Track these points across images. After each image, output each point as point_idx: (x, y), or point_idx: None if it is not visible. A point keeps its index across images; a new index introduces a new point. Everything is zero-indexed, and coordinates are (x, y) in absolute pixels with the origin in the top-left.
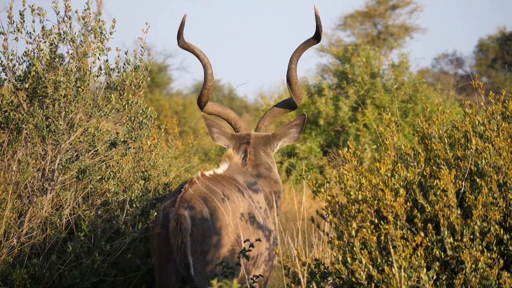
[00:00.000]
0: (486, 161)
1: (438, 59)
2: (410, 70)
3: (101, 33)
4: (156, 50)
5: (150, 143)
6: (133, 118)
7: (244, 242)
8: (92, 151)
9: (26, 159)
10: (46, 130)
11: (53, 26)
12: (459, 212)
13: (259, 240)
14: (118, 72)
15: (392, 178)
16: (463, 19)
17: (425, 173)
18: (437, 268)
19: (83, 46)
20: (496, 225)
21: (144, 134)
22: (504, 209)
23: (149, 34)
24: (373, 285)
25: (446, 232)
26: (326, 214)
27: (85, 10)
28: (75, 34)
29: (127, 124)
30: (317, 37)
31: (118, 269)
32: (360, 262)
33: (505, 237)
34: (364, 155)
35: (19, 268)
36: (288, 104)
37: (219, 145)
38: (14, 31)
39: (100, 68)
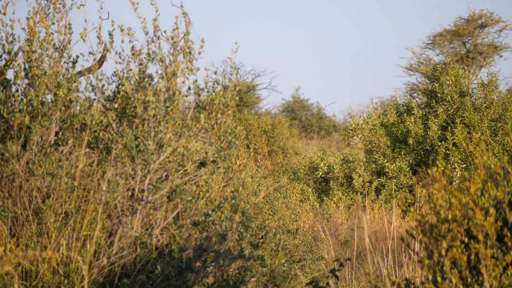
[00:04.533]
0: None
1: None
2: (500, 89)
3: (190, 53)
4: (245, 69)
5: (239, 162)
6: (222, 137)
7: (334, 261)
8: (181, 171)
9: (115, 179)
10: (136, 150)
11: (142, 46)
12: None
13: (349, 259)
14: (207, 92)
15: (482, 197)
16: None
17: None
18: None
19: (172, 66)
20: None
21: (233, 153)
22: None
23: (237, 54)
24: None
25: None
26: (416, 234)
27: (173, 30)
28: (164, 54)
29: (216, 143)
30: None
31: None
32: (450, 281)
33: None
34: (454, 174)
35: None
36: None
37: (308, 165)
38: (103, 51)
39: (189, 88)
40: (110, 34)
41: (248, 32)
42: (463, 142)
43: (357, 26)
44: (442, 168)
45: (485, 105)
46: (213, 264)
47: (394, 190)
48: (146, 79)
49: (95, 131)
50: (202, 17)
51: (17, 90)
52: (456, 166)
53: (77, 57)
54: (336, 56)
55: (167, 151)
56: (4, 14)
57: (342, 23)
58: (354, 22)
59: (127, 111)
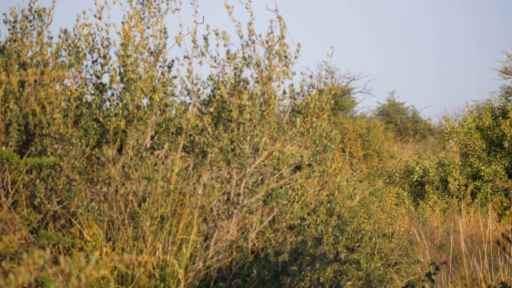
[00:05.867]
0: None
1: None
2: None
3: (286, 57)
4: (340, 73)
5: (335, 166)
6: (317, 141)
7: (430, 265)
8: (277, 175)
9: (211, 183)
10: (232, 154)
11: (237, 50)
12: None
13: (444, 263)
14: (303, 96)
15: None
16: None
17: None
18: None
19: (267, 70)
20: None
21: (328, 157)
22: None
23: (332, 57)
24: None
25: None
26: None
27: (268, 34)
28: (259, 58)
29: (312, 147)
30: None
31: None
32: None
33: None
34: None
35: None
36: None
37: (404, 168)
38: (199, 55)
39: (284, 92)
40: (205, 38)
41: (343, 35)
42: None
43: (452, 29)
44: None
45: None
46: (308, 267)
47: (490, 194)
48: (242, 83)
49: (191, 135)
50: (296, 20)
51: (112, 95)
52: None
53: (172, 61)
54: (431, 60)
55: (263, 155)
56: (100, 18)
57: (436, 26)
58: (449, 26)
59: (223, 115)
